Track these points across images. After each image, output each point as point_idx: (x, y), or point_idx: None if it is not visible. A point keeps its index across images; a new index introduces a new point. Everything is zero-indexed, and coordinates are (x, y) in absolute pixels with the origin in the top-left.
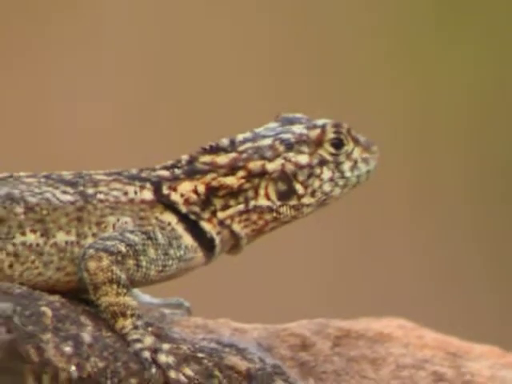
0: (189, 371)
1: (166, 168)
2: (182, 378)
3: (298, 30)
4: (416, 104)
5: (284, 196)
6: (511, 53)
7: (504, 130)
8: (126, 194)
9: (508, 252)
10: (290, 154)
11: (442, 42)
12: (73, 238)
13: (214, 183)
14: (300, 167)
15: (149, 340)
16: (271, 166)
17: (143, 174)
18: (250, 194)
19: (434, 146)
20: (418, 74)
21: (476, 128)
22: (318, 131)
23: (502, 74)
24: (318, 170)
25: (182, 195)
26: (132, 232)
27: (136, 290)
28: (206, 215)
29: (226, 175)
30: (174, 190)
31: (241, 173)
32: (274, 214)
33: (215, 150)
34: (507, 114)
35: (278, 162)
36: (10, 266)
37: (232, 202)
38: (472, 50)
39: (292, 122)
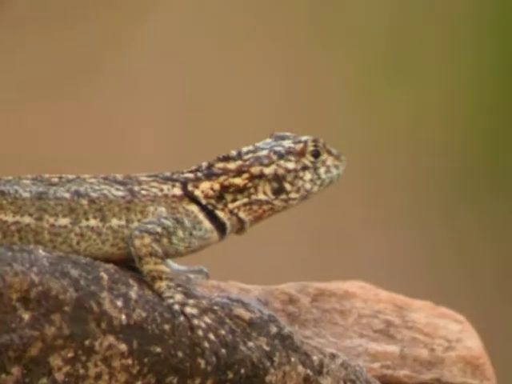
0: (207, 319)
1: (191, 171)
2: (202, 324)
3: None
4: (371, 120)
5: (277, 192)
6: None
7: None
8: (161, 190)
9: (439, 231)
10: (281, 162)
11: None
12: (123, 222)
13: (226, 183)
14: (288, 171)
15: (178, 297)
16: (267, 171)
17: (174, 176)
18: (252, 190)
19: (383, 157)
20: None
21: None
22: (301, 145)
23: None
24: (301, 173)
25: (202, 191)
26: (166, 218)
27: (169, 261)
28: (220, 206)
29: (234, 177)
30: (197, 187)
31: (245, 175)
32: (270, 206)
33: (226, 158)
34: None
35: (272, 167)
36: (78, 242)
37: (239, 197)
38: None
39: (282, 138)
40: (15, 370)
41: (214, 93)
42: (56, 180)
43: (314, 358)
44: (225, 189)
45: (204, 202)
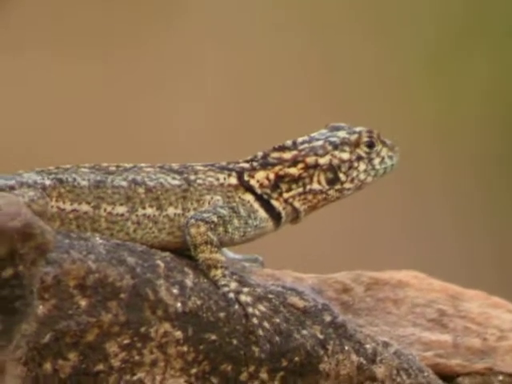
0: (262, 307)
1: (246, 161)
2: (257, 312)
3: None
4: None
5: (331, 182)
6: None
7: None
8: (217, 179)
9: (484, 225)
10: (336, 152)
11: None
12: (179, 211)
13: (281, 172)
14: (343, 161)
15: (233, 285)
16: (322, 161)
17: (230, 166)
18: (307, 180)
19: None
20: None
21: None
22: (356, 135)
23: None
24: (355, 164)
25: (257, 181)
26: (222, 207)
27: (224, 249)
28: (275, 195)
29: (289, 167)
30: (252, 177)
31: (300, 165)
32: (324, 195)
33: (282, 148)
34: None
35: (327, 157)
36: (134, 231)
37: (294, 186)
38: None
39: (337, 128)
40: (72, 356)
41: (270, 83)
42: (113, 169)
43: (368, 346)
44: (280, 178)
45: (259, 191)
